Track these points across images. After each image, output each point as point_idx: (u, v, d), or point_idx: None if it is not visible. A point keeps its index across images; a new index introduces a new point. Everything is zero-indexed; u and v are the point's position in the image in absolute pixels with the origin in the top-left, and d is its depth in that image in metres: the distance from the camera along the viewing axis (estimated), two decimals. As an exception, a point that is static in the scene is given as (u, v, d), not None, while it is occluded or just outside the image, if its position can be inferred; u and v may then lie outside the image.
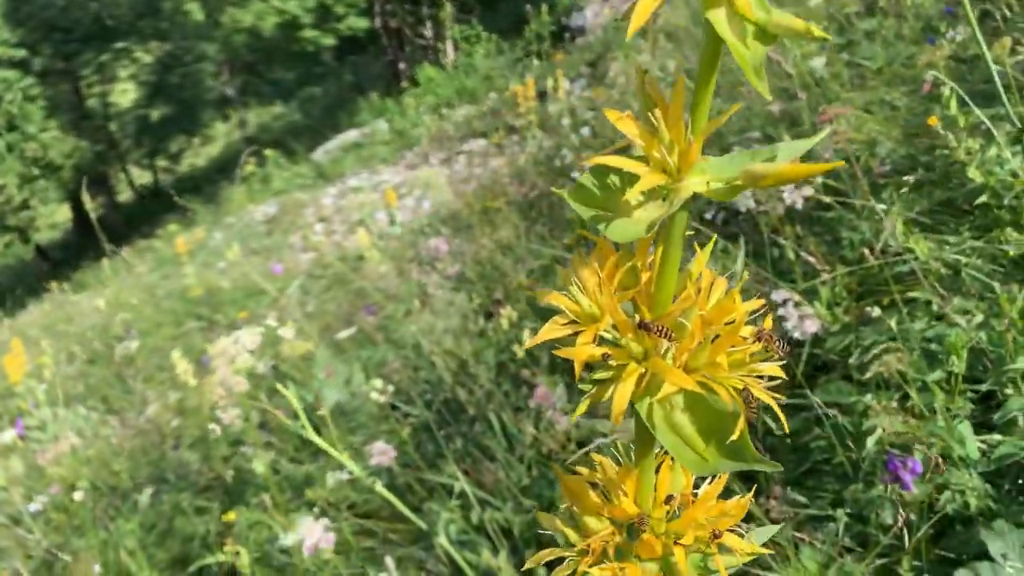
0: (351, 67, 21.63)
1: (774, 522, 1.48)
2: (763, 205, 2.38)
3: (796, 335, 1.77)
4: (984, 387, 1.58)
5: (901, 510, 1.39)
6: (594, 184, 0.48)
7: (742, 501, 0.54)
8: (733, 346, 0.49)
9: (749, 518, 1.55)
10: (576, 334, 0.48)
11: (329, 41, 16.51)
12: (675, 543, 0.52)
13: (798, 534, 1.44)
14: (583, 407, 0.49)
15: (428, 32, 17.88)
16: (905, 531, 1.43)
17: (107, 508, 3.27)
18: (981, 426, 1.63)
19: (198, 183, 20.93)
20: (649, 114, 0.46)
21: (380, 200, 9.34)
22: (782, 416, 0.52)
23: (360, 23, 16.54)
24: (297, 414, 1.67)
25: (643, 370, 0.48)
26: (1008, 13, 3.29)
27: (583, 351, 0.48)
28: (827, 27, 4.35)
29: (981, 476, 1.45)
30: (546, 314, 0.53)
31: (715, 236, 0.60)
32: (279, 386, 1.43)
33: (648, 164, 0.46)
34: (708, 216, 2.91)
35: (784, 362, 0.52)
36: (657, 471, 0.54)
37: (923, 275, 1.85)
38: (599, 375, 0.49)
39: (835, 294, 2.06)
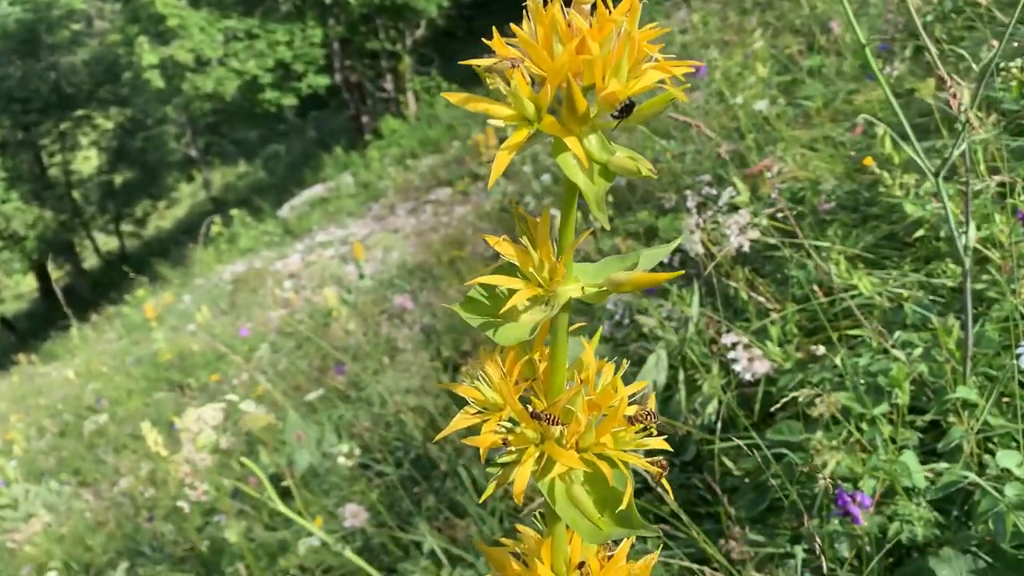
0: (314, 122, 21.78)
1: (735, 563, 1.52)
2: (714, 247, 2.46)
3: (747, 376, 1.83)
4: (928, 417, 1.64)
5: (840, 543, 1.44)
6: (483, 295, 0.55)
7: (648, 560, 0.59)
8: (619, 426, 0.55)
9: (708, 561, 1.59)
10: (484, 422, 0.55)
11: (290, 101, 16.64)
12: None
13: (759, 574, 1.48)
14: (490, 490, 0.55)
15: (389, 85, 18.09)
16: (865, 563, 1.48)
17: (82, 586, 3.23)
18: (930, 453, 1.69)
19: (165, 246, 20.85)
20: (522, 238, 0.53)
21: (349, 253, 9.38)
22: (667, 486, 0.57)
23: (320, 80, 16.71)
24: (265, 484, 1.69)
25: (540, 453, 0.55)
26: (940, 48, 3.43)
27: (487, 439, 0.54)
28: (771, 66, 4.50)
29: (929, 504, 1.50)
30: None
31: (600, 329, 0.66)
32: (244, 460, 1.46)
33: (526, 279, 0.53)
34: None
35: (680, 439, 0.57)
36: (572, 539, 0.59)
37: (866, 311, 1.92)
38: (503, 459, 0.55)
39: (786, 332, 2.12)
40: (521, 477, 0.53)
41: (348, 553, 1.47)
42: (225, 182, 25.87)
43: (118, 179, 22.95)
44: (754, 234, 2.20)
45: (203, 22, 15.85)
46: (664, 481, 0.58)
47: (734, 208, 2.76)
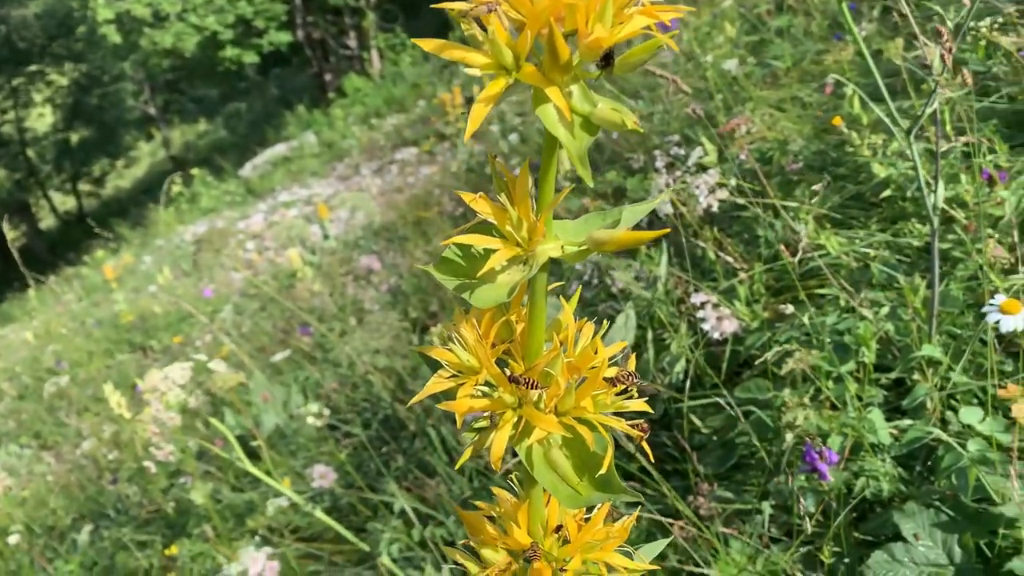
0: (276, 80, 21.36)
1: (703, 519, 1.54)
2: (683, 207, 2.45)
3: (716, 335, 1.84)
4: (894, 375, 1.66)
5: (807, 499, 1.46)
6: (458, 255, 0.53)
7: (626, 523, 0.59)
8: (598, 389, 0.54)
9: (677, 517, 1.60)
10: (459, 386, 0.53)
11: (251, 59, 16.27)
12: (562, 570, 0.56)
13: (726, 529, 1.50)
14: (466, 456, 0.53)
15: (352, 42, 17.78)
16: (831, 518, 1.50)
17: (44, 549, 3.20)
18: (895, 411, 1.71)
19: (124, 206, 20.45)
20: (500, 195, 0.51)
21: (313, 213, 9.26)
22: (647, 448, 0.56)
23: (282, 37, 16.36)
24: (233, 444, 1.67)
25: (518, 417, 0.53)
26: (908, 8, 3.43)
27: (463, 404, 0.52)
28: (740, 26, 4.48)
29: (894, 460, 1.53)
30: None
31: (579, 289, 0.65)
32: (212, 420, 1.44)
33: (503, 238, 0.51)
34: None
35: (647, 398, 0.56)
36: (549, 501, 0.58)
37: (834, 271, 1.93)
38: (479, 424, 0.54)
39: (753, 291, 2.13)
40: (499, 443, 0.52)
41: (318, 513, 1.46)
42: (185, 140, 25.37)
43: (74, 137, 22.38)
44: (723, 194, 2.20)
45: (160, -25, 15.40)
46: (645, 444, 0.57)
47: (702, 168, 2.76)
